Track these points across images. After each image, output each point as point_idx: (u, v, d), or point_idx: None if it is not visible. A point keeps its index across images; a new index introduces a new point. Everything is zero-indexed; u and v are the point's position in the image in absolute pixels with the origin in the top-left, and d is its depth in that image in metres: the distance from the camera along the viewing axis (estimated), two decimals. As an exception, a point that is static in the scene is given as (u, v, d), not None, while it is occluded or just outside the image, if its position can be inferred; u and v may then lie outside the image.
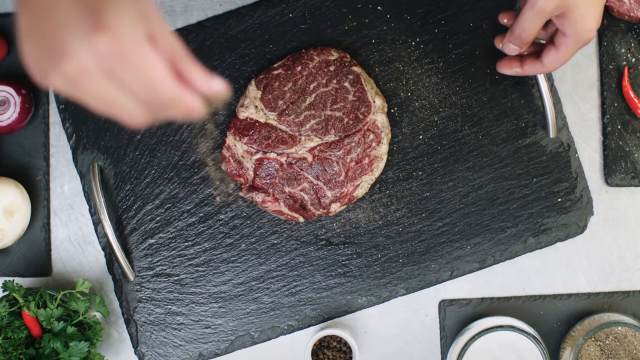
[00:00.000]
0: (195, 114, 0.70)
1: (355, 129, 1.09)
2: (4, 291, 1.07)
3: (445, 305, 1.13)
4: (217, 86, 0.70)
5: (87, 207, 1.14)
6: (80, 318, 1.08)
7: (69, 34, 0.64)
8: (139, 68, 0.65)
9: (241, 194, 1.10)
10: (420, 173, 1.12)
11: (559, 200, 1.13)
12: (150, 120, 0.69)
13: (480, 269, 1.13)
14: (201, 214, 1.12)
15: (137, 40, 0.65)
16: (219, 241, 1.12)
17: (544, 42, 1.04)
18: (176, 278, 1.12)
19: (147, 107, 0.68)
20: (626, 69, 1.13)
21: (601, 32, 1.14)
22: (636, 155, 1.13)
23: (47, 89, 0.67)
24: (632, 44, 1.14)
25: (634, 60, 1.14)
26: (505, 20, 1.06)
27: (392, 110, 1.12)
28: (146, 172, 1.12)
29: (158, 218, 1.12)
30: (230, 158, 1.09)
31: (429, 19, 1.12)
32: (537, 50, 1.05)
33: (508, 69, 1.07)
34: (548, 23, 1.02)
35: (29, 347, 1.07)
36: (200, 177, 1.12)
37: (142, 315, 1.12)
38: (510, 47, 1.02)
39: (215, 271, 1.12)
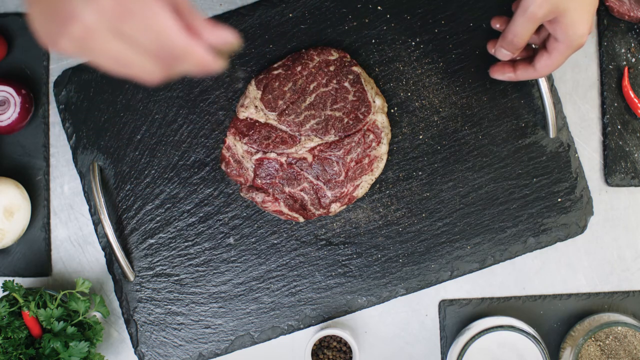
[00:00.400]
0: (209, 66, 0.69)
1: (355, 129, 1.09)
2: (4, 291, 1.07)
3: (445, 305, 1.13)
4: (226, 36, 0.69)
5: (87, 207, 1.14)
6: (80, 318, 1.08)
7: None
8: (146, 21, 0.65)
9: (241, 194, 1.10)
10: (420, 173, 1.12)
11: (559, 200, 1.13)
12: (165, 75, 0.69)
13: (480, 269, 1.13)
14: (201, 214, 1.12)
15: None
16: (219, 241, 1.12)
17: (536, 46, 1.04)
18: (176, 278, 1.12)
19: (159, 61, 0.67)
20: (626, 69, 1.13)
21: (601, 32, 1.14)
22: (636, 155, 1.13)
23: (59, 52, 0.68)
24: (632, 44, 1.14)
25: (634, 60, 1.14)
26: (497, 25, 1.06)
27: (392, 110, 1.12)
28: (146, 172, 1.12)
29: (158, 218, 1.12)
30: (230, 158, 1.09)
31: (429, 19, 1.12)
32: (529, 55, 1.05)
33: (501, 74, 1.07)
34: (540, 28, 1.02)
35: (29, 347, 1.07)
36: (200, 177, 1.12)
37: (142, 315, 1.12)
38: (502, 52, 1.02)
39: (215, 271, 1.12)
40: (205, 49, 0.68)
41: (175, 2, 0.68)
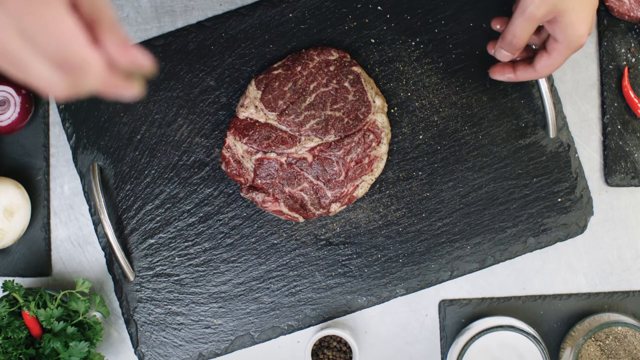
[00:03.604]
0: (116, 87, 0.64)
1: (355, 129, 1.09)
2: (4, 291, 1.07)
3: (445, 305, 1.13)
4: (138, 57, 0.64)
5: (87, 207, 1.14)
6: (80, 318, 1.08)
7: None
8: (47, 21, 0.60)
9: (241, 194, 1.10)
10: (420, 173, 1.12)
11: (559, 200, 1.13)
12: (69, 90, 0.63)
13: (480, 269, 1.13)
14: (201, 214, 1.12)
15: None
16: (219, 241, 1.12)
17: (536, 47, 1.04)
18: (176, 278, 1.12)
19: (60, 72, 0.62)
20: (626, 69, 1.13)
21: (601, 32, 1.14)
22: (636, 155, 1.13)
23: None
24: (632, 44, 1.14)
25: (634, 60, 1.14)
26: (497, 26, 1.06)
27: (392, 110, 1.12)
28: (146, 172, 1.12)
29: (158, 218, 1.12)
30: (230, 158, 1.09)
31: (429, 19, 1.12)
32: (529, 55, 1.05)
33: (501, 75, 1.07)
34: (540, 28, 1.02)
35: (29, 347, 1.07)
36: (200, 177, 1.12)
37: (142, 315, 1.12)
38: (502, 53, 1.02)
39: (215, 271, 1.12)
40: (107, 65, 0.63)
41: (97, 11, 0.63)
